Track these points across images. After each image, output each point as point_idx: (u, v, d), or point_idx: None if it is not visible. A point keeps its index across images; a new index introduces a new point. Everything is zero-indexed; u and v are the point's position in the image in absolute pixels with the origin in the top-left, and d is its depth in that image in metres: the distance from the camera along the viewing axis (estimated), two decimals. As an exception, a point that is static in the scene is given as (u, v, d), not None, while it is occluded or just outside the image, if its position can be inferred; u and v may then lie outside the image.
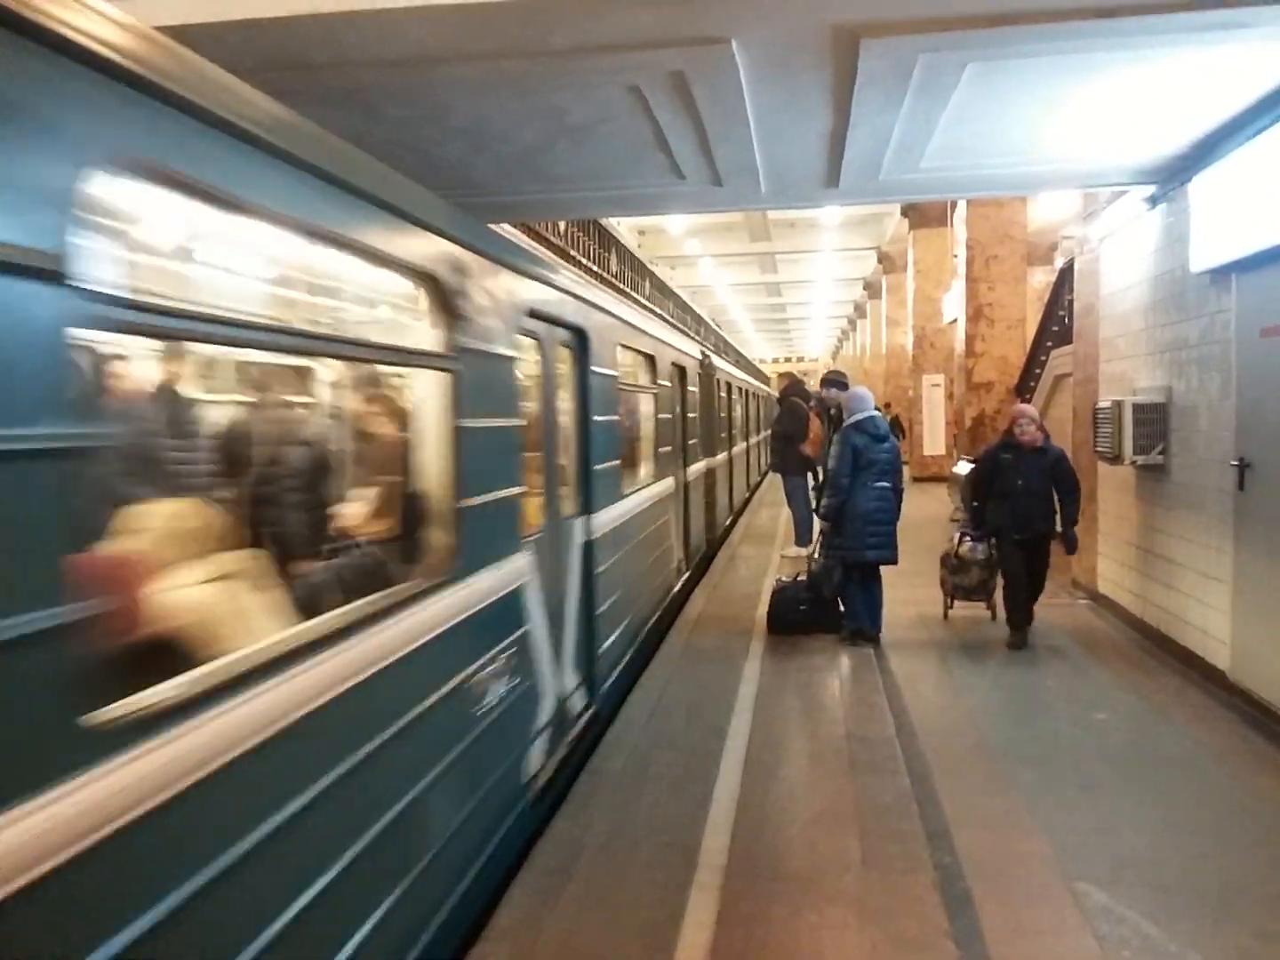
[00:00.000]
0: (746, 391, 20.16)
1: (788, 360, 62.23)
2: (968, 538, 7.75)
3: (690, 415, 10.64)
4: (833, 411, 9.29)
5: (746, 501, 18.07)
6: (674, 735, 5.50)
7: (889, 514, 7.32)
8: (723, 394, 14.66)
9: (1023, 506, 7.11)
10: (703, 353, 12.55)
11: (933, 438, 20.87)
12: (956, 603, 8.11)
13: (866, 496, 7.23)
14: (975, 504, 7.62)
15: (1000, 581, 7.59)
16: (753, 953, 3.29)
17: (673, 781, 4.81)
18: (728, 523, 14.12)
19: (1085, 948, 3.28)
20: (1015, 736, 5.37)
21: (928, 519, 15.09)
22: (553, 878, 3.83)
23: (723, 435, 14.45)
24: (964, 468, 14.82)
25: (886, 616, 7.57)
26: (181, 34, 2.21)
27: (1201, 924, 3.41)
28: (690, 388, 10.67)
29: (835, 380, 9.38)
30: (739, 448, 17.07)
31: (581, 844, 4.12)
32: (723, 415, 14.51)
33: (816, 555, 7.93)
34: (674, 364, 9.52)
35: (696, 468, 10.97)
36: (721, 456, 15.47)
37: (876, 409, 7.59)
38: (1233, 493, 5.82)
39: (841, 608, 7.55)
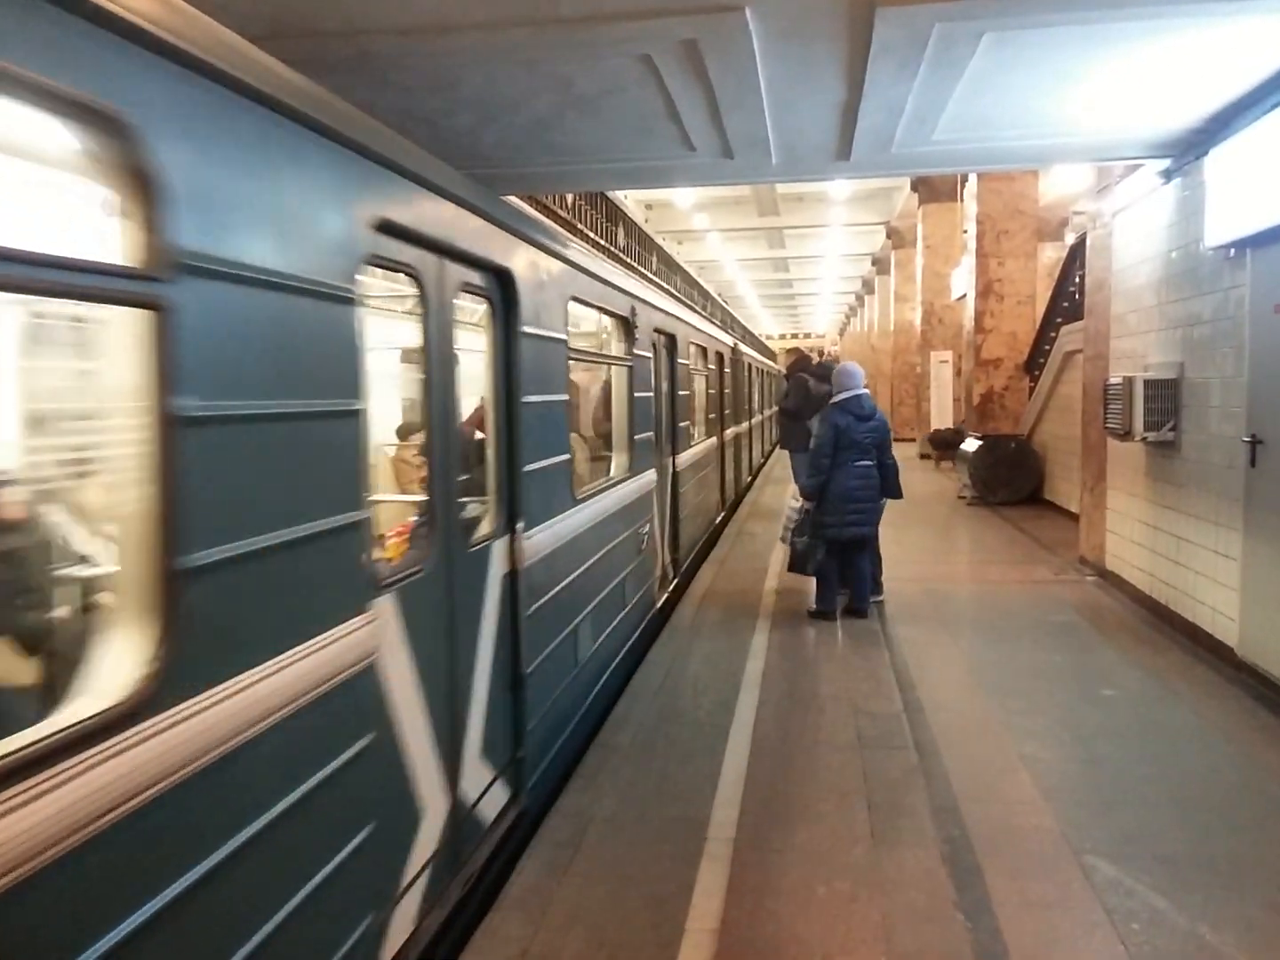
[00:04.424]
0: (754, 368, 19.90)
1: (794, 336, 61.93)
2: None
3: (681, 393, 9.24)
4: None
5: (749, 485, 17.31)
6: (682, 709, 5.51)
7: (871, 492, 7.39)
8: (728, 370, 14.28)
9: None
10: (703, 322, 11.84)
11: (940, 415, 20.85)
12: None
13: (848, 475, 7.28)
14: None
15: None
16: (762, 924, 3.31)
17: (681, 755, 4.83)
18: (718, 520, 12.55)
19: (1094, 920, 3.30)
20: (1022, 711, 5.39)
21: (933, 495, 15.14)
22: (562, 850, 3.86)
23: (727, 412, 14.05)
24: (972, 445, 14.80)
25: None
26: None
27: (1211, 897, 3.42)
28: (681, 360, 9.24)
29: (821, 374, 9.03)
30: (742, 427, 16.32)
31: (590, 816, 4.14)
32: (727, 392, 14.11)
33: (803, 536, 7.65)
34: (659, 330, 8.00)
35: (689, 454, 9.83)
36: (733, 430, 15.06)
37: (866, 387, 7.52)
38: (1244, 469, 5.79)
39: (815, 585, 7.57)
